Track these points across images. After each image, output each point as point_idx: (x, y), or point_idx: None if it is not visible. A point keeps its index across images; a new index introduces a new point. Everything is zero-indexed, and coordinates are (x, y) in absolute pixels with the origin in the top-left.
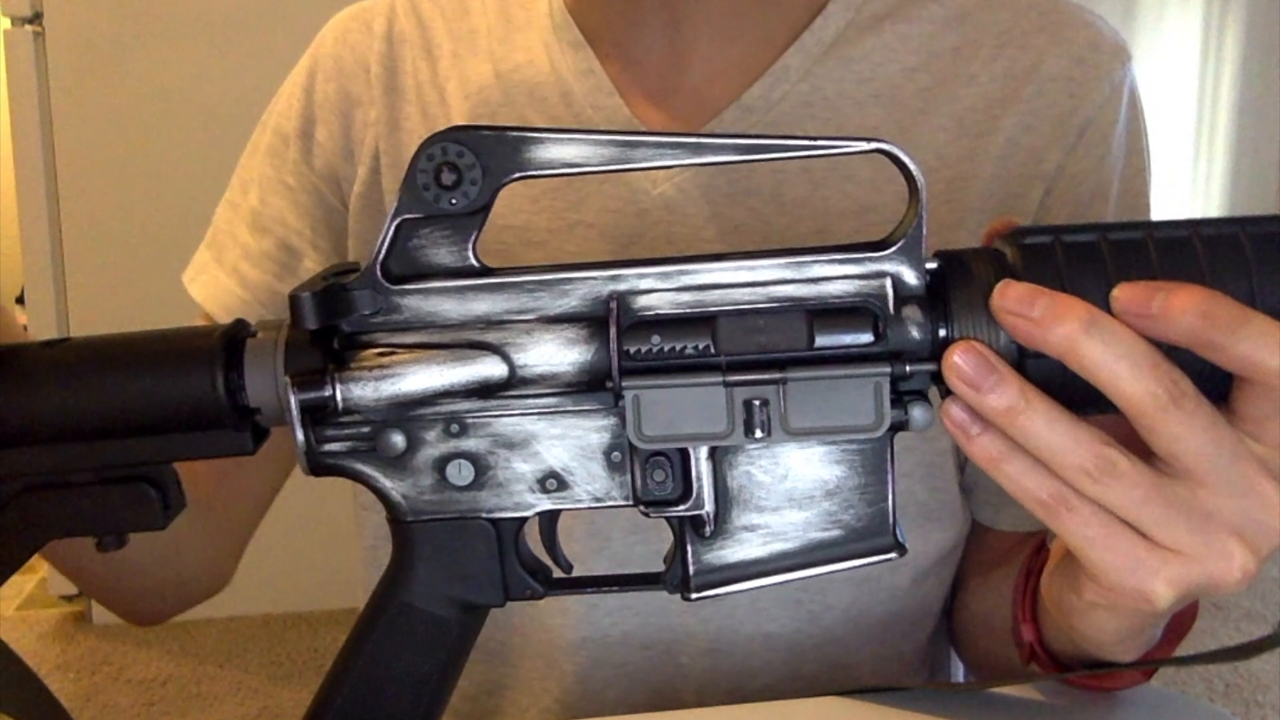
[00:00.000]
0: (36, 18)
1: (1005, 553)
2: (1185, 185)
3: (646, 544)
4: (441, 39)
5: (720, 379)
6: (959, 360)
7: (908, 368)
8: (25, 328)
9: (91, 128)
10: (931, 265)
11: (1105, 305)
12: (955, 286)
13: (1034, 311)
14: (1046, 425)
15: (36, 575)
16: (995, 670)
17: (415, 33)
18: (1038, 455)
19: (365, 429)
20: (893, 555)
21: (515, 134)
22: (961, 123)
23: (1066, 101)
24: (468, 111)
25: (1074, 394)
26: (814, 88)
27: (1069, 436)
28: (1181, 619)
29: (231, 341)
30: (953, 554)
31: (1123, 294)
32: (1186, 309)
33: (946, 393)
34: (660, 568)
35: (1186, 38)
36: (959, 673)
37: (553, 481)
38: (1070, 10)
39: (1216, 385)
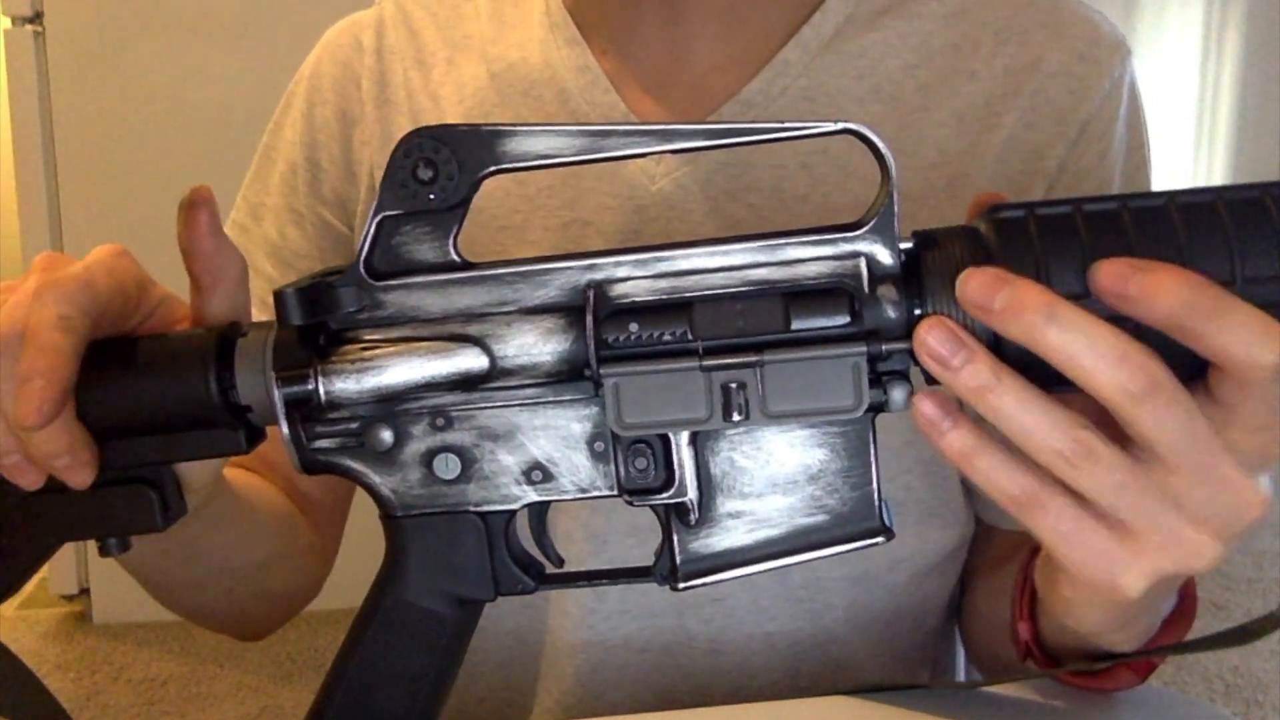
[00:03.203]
0: (36, 18)
1: (1010, 552)
2: (1185, 184)
3: (643, 545)
4: (435, 47)
5: (697, 364)
6: (928, 337)
7: (884, 347)
8: None
9: (91, 128)
10: (906, 245)
11: (1082, 279)
12: (929, 264)
13: (995, 304)
14: (1019, 405)
15: (37, 575)
16: (1003, 670)
17: (406, 43)
18: (1012, 437)
19: (354, 425)
20: (880, 540)
21: (488, 129)
22: (962, 119)
23: (1067, 98)
24: (463, 115)
25: (1052, 372)
26: (814, 82)
27: (1044, 417)
28: (1182, 616)
29: (223, 341)
30: (956, 555)
31: (1101, 273)
32: (1167, 295)
33: (928, 375)
34: None
35: (1187, 36)
36: (961, 672)
37: (538, 473)
38: (1069, 6)
39: (1191, 360)
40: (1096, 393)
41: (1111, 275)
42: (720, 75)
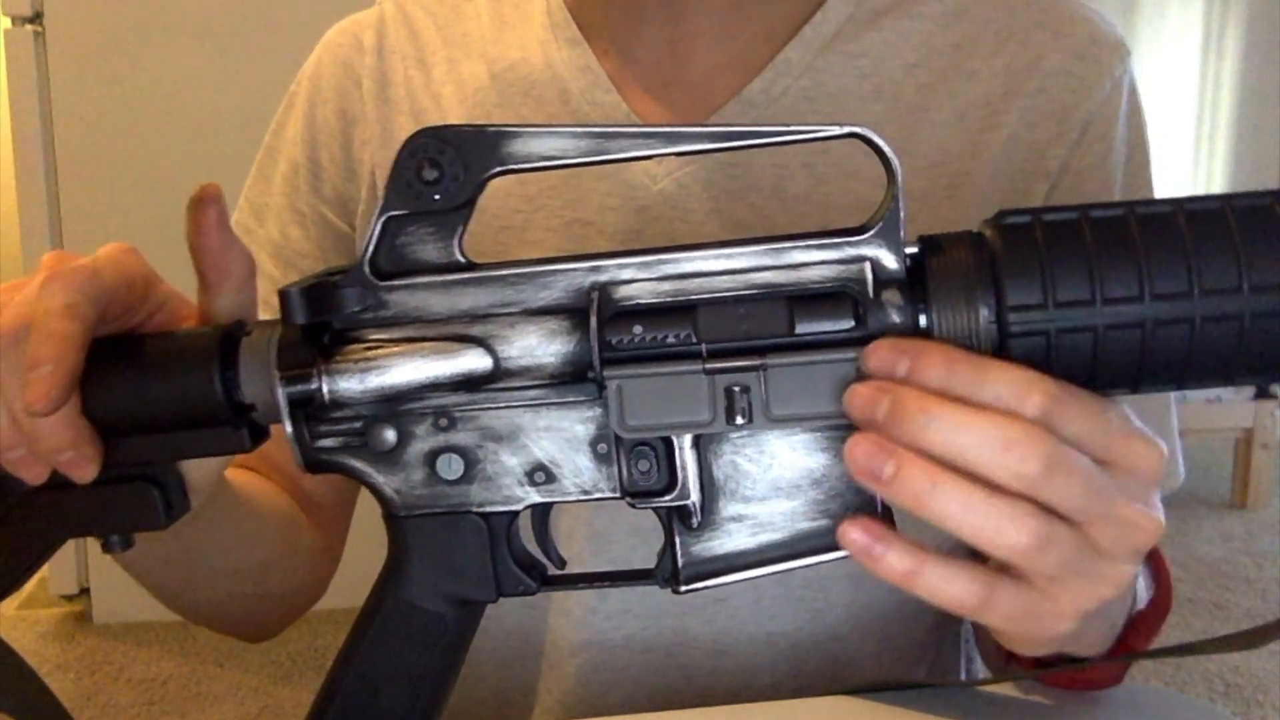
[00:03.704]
0: (36, 18)
1: None
2: (1186, 184)
3: (647, 545)
4: (435, 46)
5: (701, 366)
6: (850, 532)
7: None
8: None
9: (91, 128)
10: (912, 250)
11: (1088, 286)
12: (933, 270)
13: (877, 414)
14: (964, 508)
15: (37, 575)
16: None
17: (407, 43)
18: (962, 538)
19: (357, 424)
20: None
21: (494, 130)
22: (963, 119)
23: (1068, 97)
24: (464, 115)
25: (1059, 375)
26: (816, 82)
27: (992, 514)
28: (1158, 604)
29: (228, 340)
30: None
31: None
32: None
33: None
34: None
35: (1187, 37)
36: (962, 670)
37: (541, 474)
38: (1069, 6)
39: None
40: (997, 482)
41: None
42: (722, 75)
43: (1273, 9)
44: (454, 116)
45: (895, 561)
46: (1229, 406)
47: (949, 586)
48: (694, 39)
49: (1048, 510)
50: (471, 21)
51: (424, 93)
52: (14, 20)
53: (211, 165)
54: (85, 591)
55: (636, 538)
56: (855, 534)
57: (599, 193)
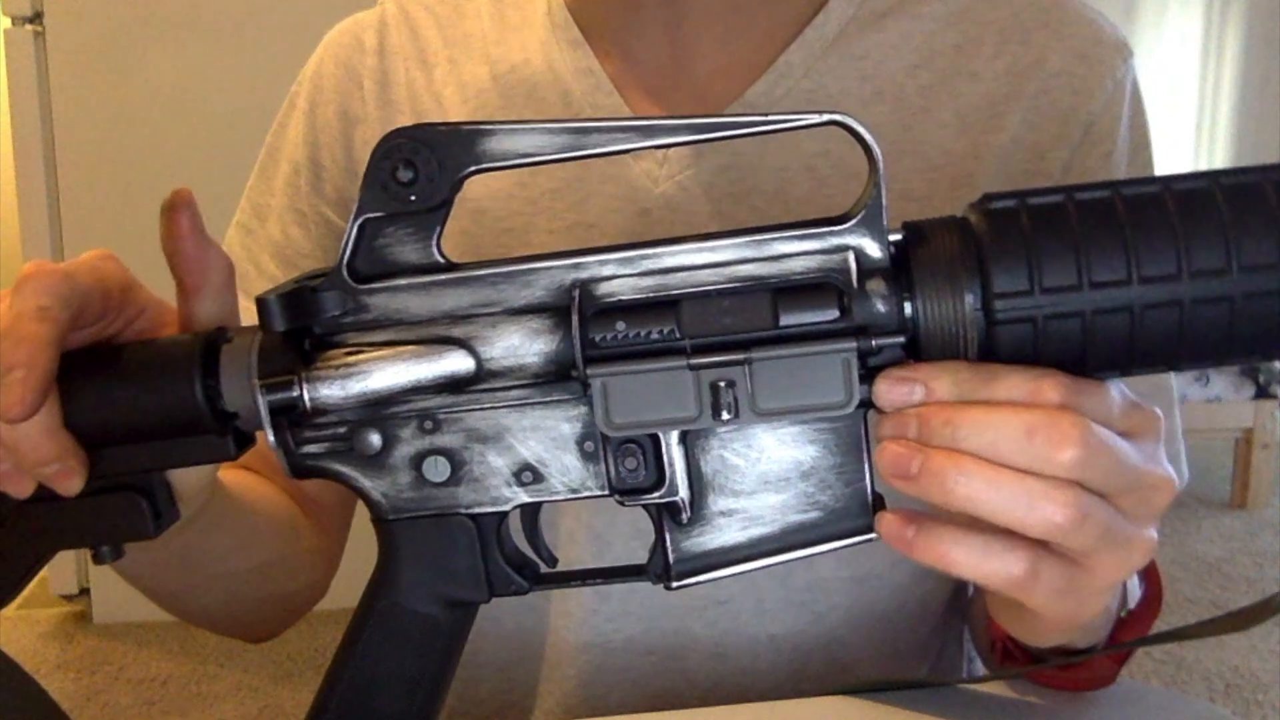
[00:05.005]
0: (37, 18)
1: None
2: None
3: (648, 547)
4: (437, 47)
5: (685, 362)
6: (883, 531)
7: (874, 342)
8: None
9: (91, 128)
10: (896, 237)
11: (1074, 270)
12: (918, 258)
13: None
14: (990, 489)
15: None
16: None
17: (408, 44)
18: (1001, 523)
19: (342, 429)
20: (874, 536)
21: (468, 128)
22: (965, 119)
23: (1070, 98)
24: (466, 116)
25: (1048, 361)
26: (817, 84)
27: (1023, 494)
28: (1150, 603)
29: (208, 348)
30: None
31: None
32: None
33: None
34: None
35: (1187, 37)
36: (964, 669)
37: (528, 474)
38: (1070, 7)
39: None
40: (1038, 472)
41: None
42: (723, 78)
43: (1273, 9)
44: (456, 117)
45: (930, 541)
46: (1229, 406)
47: (991, 561)
48: (696, 41)
49: (1081, 485)
50: (473, 22)
51: (426, 93)
52: (14, 20)
53: (212, 165)
54: (85, 591)
55: (638, 539)
56: (886, 522)
57: (601, 195)
